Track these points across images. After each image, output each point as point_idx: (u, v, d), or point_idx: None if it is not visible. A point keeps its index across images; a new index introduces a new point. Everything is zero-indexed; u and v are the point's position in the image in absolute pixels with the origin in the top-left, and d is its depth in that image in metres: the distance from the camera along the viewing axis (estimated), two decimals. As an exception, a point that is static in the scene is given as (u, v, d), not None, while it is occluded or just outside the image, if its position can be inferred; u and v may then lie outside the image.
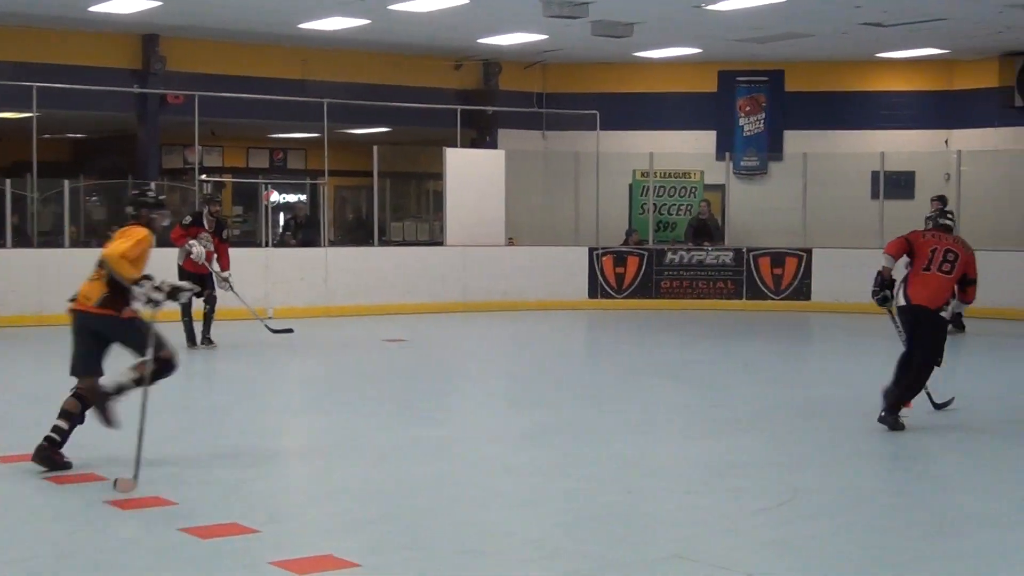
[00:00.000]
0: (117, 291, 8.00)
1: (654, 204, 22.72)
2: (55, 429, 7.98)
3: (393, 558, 6.19)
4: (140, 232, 8.16)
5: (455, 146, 21.71)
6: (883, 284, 10.27)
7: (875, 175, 21.75)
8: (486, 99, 23.43)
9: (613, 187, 22.73)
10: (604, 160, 22.45)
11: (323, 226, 21.40)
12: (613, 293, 21.39)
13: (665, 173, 22.99)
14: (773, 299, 21.13)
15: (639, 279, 21.46)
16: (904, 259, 10.24)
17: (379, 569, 6.00)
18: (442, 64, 23.01)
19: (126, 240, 8.05)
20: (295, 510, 7.42)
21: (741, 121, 24.06)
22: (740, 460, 8.65)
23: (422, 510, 7.20)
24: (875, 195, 21.69)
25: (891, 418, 9.74)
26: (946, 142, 23.55)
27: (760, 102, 24.03)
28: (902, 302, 10.15)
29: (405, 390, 12.34)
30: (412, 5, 17.87)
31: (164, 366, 8.12)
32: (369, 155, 21.01)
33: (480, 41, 21.18)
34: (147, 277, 7.96)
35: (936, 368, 9.95)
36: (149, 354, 7.98)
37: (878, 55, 22.67)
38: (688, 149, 23.54)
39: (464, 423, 10.65)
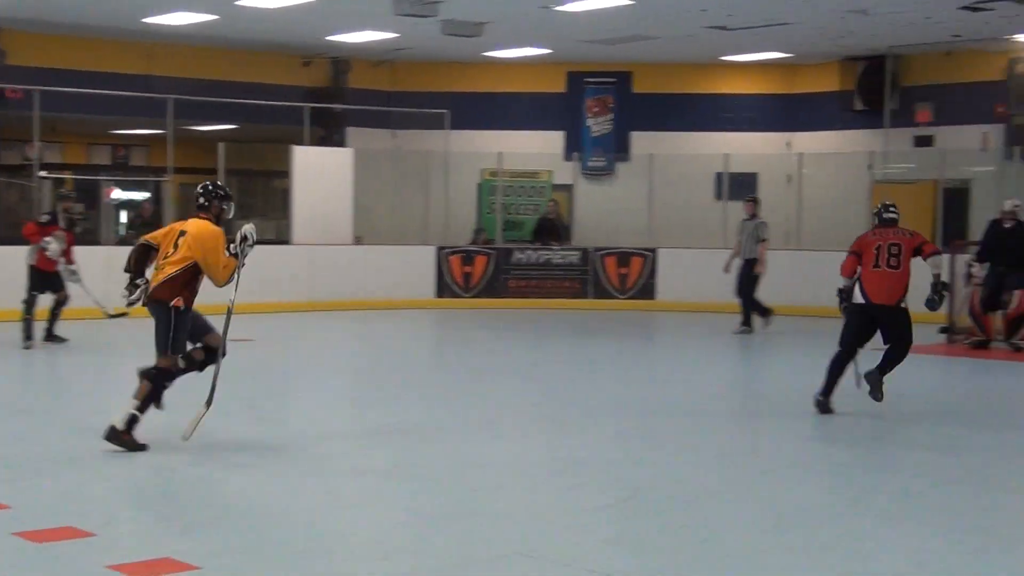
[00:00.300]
0: (174, 282, 8.83)
1: (503, 203, 22.80)
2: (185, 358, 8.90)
3: (233, 560, 6.11)
4: (209, 228, 9.01)
5: (303, 144, 21.52)
6: (847, 298, 10.70)
7: (719, 176, 22.10)
8: (335, 97, 23.27)
9: (462, 186, 22.77)
10: (453, 159, 22.47)
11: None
12: (460, 292, 21.40)
13: (514, 173, 23.09)
14: (619, 298, 21.35)
15: (486, 278, 21.51)
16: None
17: (219, 571, 5.91)
18: (290, 61, 22.80)
19: (216, 253, 8.87)
20: (133, 513, 7.31)
21: (589, 122, 24.27)
22: (582, 458, 8.72)
23: (263, 511, 7.13)
24: (719, 196, 22.04)
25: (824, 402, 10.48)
26: (788, 144, 24.02)
27: (608, 103, 24.26)
28: (860, 300, 10.55)
29: (250, 390, 12.17)
30: (260, 1, 17.67)
31: (163, 374, 8.76)
32: (215, 152, 20.72)
33: (329, 38, 21.03)
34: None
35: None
36: (159, 358, 8.77)
37: (723, 58, 23.03)
38: (537, 149, 23.66)
39: (308, 423, 10.55)
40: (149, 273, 8.99)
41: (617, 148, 24.25)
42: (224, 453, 8.73)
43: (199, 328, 9.10)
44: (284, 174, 21.50)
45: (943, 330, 16.19)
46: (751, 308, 17.27)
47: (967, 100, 21.88)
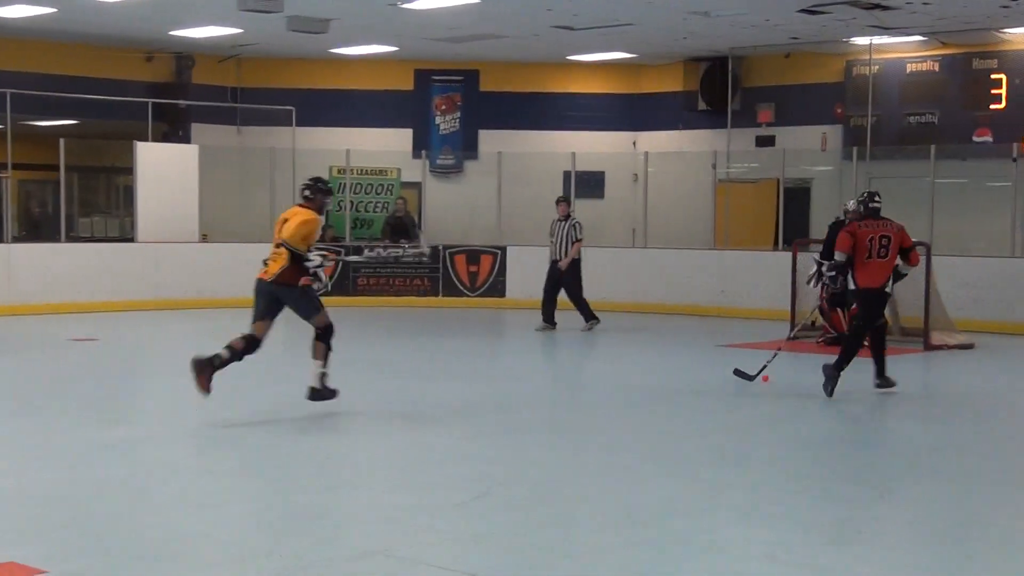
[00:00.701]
0: (294, 265, 10.18)
1: (351, 201, 22.68)
2: (219, 354, 10.20)
3: (81, 564, 5.99)
4: (310, 214, 10.25)
5: (146, 140, 21.17)
6: (840, 281, 12.09)
7: (567, 175, 22.26)
8: (178, 92, 22.92)
9: (309, 184, 22.55)
10: (300, 156, 22.28)
11: (5, 222, 20.55)
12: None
13: (362, 170, 22.97)
14: (469, 296, 21.40)
15: (335, 276, 21.36)
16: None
17: (66, 576, 5.80)
18: (133, 56, 22.40)
19: (296, 221, 10.18)
20: (-26, 518, 7.11)
21: (437, 120, 24.27)
22: (437, 456, 8.73)
23: (110, 514, 7.00)
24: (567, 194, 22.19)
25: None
26: (634, 143, 24.31)
27: (456, 101, 24.29)
28: (852, 286, 11.98)
29: (94, 390, 11.96)
30: (101, -6, 17.36)
31: (326, 330, 10.50)
32: (55, 148, 20.26)
33: (172, 33, 20.70)
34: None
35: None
36: (314, 321, 10.45)
37: (569, 57, 23.21)
38: (385, 146, 23.60)
39: (155, 423, 10.39)
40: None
41: (465, 146, 24.30)
42: (69, 455, 8.55)
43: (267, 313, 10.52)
44: (127, 171, 21.13)
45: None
46: (583, 307, 17.52)
47: (807, 101, 22.39)
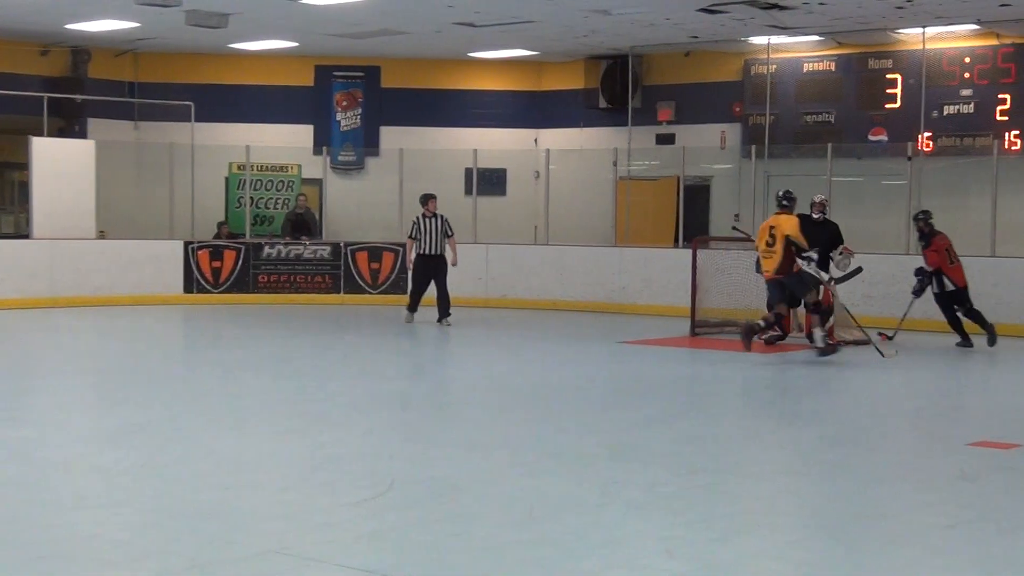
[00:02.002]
0: (787, 258, 13.91)
1: (251, 197, 22.50)
2: (763, 318, 14.57)
3: (-30, 567, 5.89)
4: (794, 219, 14.11)
5: (42, 135, 20.84)
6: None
7: (469, 172, 22.27)
8: (75, 87, 22.59)
9: (209, 180, 22.39)
10: (199, 152, 22.07)
11: None
12: (209, 288, 21.05)
13: (262, 166, 22.81)
14: (371, 293, 21.32)
15: (236, 273, 21.21)
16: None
17: (-45, 579, 5.69)
18: (28, 49, 22.02)
19: (791, 224, 14.04)
20: None
21: (338, 116, 24.16)
22: (336, 453, 8.68)
23: (3, 515, 6.87)
24: (469, 191, 22.22)
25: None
26: (536, 141, 24.37)
27: (357, 97, 24.19)
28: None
29: (-14, 390, 11.75)
30: (-7, -14, 17.05)
31: (816, 305, 14.24)
32: (-53, 143, 19.93)
33: (68, 27, 20.38)
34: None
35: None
36: (810, 297, 14.32)
37: (471, 54, 23.21)
38: (285, 143, 23.45)
39: (49, 423, 10.22)
40: None
41: (367, 142, 24.22)
42: (-39, 456, 8.40)
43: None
44: (22, 166, 20.81)
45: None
46: (446, 300, 17.99)
47: (706, 100, 22.60)
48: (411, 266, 18.16)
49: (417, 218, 18.11)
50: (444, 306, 17.92)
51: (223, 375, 13.14)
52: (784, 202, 14.50)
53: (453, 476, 8.02)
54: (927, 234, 16.02)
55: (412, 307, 18.14)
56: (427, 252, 17.92)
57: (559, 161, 22.63)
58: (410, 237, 18.11)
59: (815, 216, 15.80)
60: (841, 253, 15.57)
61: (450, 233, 18.00)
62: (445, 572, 6.01)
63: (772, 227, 14.31)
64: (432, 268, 17.92)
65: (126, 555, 6.15)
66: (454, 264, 17.89)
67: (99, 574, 5.89)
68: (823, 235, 15.51)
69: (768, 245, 14.23)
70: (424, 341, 16.81)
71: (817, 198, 16.12)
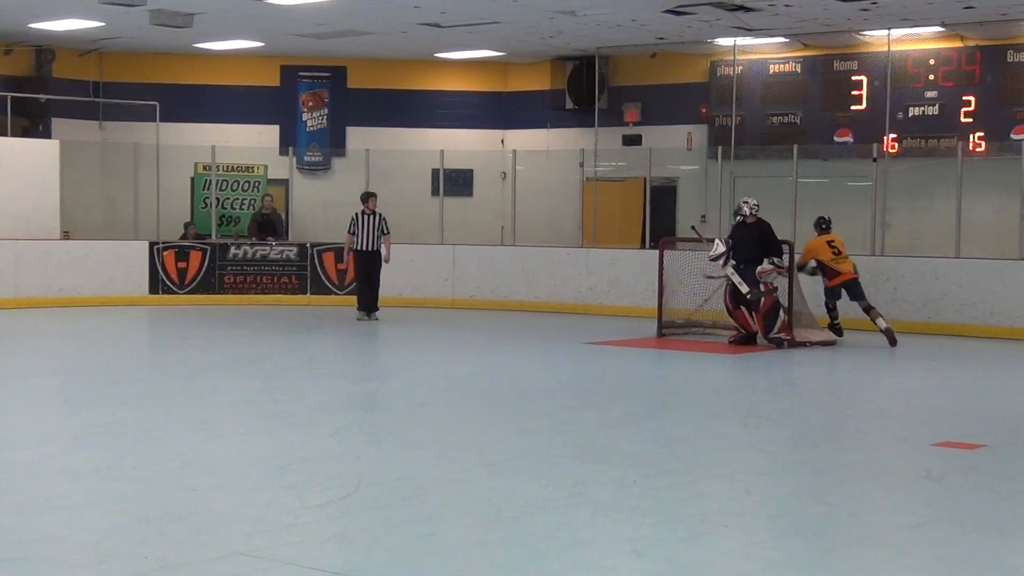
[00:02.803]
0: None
1: (217, 198, 22.42)
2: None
3: (-65, 570, 5.84)
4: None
5: (5, 135, 20.71)
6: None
7: (435, 172, 22.26)
8: (38, 87, 22.46)
9: (174, 180, 22.29)
10: (165, 152, 21.98)
11: None
12: (175, 288, 20.97)
13: (228, 167, 22.73)
14: (337, 294, 21.26)
15: (202, 274, 21.13)
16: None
17: (-82, 583, 5.64)
18: (-10, 49, 21.93)
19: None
20: None
21: (304, 116, 24.11)
22: (303, 455, 8.65)
23: (-33, 518, 6.83)
24: (436, 192, 22.21)
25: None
26: (502, 141, 24.38)
27: (323, 97, 24.14)
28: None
29: (-51, 392, 11.66)
30: (-44, -15, 16.92)
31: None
32: (-91, 143, 19.77)
33: (32, 26, 20.26)
34: None
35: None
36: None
37: (437, 55, 23.20)
38: (251, 143, 23.38)
39: (14, 424, 10.15)
40: None
41: (333, 143, 24.18)
42: (-76, 458, 8.33)
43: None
44: (-15, 166, 20.65)
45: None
46: (375, 296, 18.87)
47: (672, 101, 22.65)
48: (349, 261, 19.07)
49: (356, 215, 18.72)
50: (373, 301, 18.81)
51: (189, 376, 13.08)
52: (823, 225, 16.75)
53: (420, 477, 8.01)
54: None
55: (362, 305, 18.81)
56: (364, 248, 18.66)
57: (526, 162, 22.64)
58: (349, 232, 18.73)
59: (737, 217, 16.01)
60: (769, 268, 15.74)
61: (386, 231, 18.68)
62: (413, 573, 6.00)
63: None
64: (368, 264, 18.67)
65: (93, 557, 6.11)
66: (387, 261, 18.65)
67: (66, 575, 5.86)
68: (749, 236, 15.73)
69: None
70: (390, 342, 16.79)
71: (739, 201, 16.32)
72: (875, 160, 19.42)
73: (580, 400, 11.70)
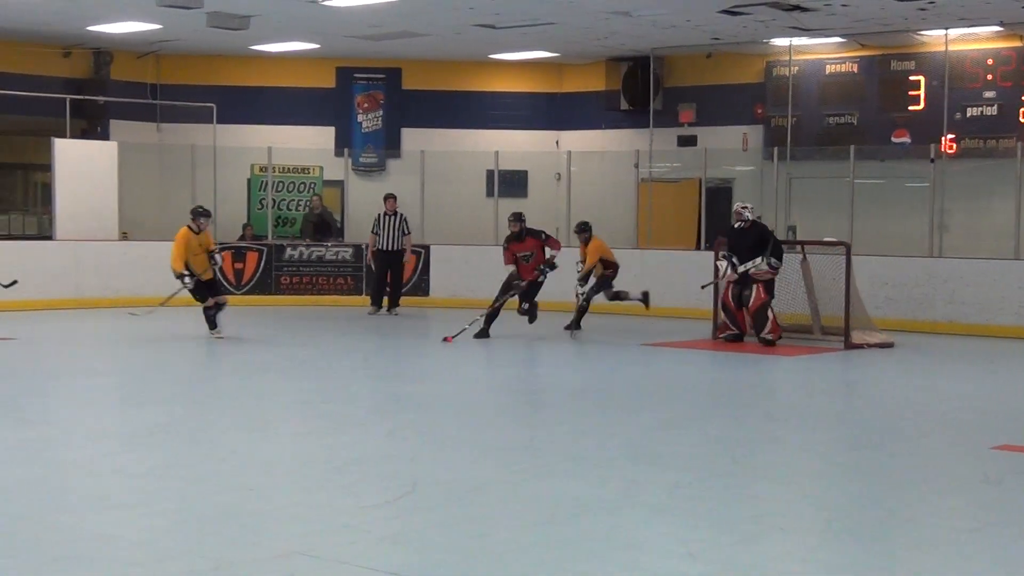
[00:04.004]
0: None
1: (273, 199, 22.54)
2: None
3: (-6, 567, 5.90)
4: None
5: (64, 137, 20.91)
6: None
7: (490, 173, 22.27)
8: (97, 89, 22.65)
9: (231, 181, 22.43)
10: (221, 154, 22.13)
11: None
12: (232, 289, 21.07)
13: (284, 168, 22.85)
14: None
15: (258, 275, 21.25)
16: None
17: (-21, 579, 5.71)
18: (50, 51, 22.11)
19: None
20: None
21: (359, 117, 24.19)
22: (358, 455, 8.69)
23: (22, 515, 6.89)
24: (490, 193, 22.22)
25: None
26: (557, 143, 24.36)
27: (378, 99, 24.22)
28: None
29: (10, 390, 11.78)
30: (16, -12, 17.10)
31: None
32: (-30, 145, 19.99)
33: (90, 28, 20.45)
34: None
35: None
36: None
37: (492, 56, 23.21)
38: (307, 144, 23.48)
39: (71, 423, 10.25)
40: None
41: (388, 144, 24.24)
42: (-15, 457, 8.42)
43: None
44: (45, 167, 20.87)
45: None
46: (397, 293, 19.83)
47: (728, 101, 22.54)
48: (372, 259, 19.83)
49: (378, 215, 19.56)
50: (395, 298, 19.65)
51: (245, 376, 13.16)
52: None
53: (475, 478, 8.02)
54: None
55: (376, 301, 19.76)
56: (385, 248, 19.53)
57: (580, 163, 22.61)
58: (372, 232, 19.60)
59: (735, 224, 15.98)
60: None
61: (407, 232, 19.54)
62: (467, 574, 6.01)
63: None
64: (388, 262, 19.48)
65: (150, 556, 6.16)
66: (406, 261, 19.77)
67: (125, 574, 5.90)
68: (745, 241, 15.84)
69: None
70: (445, 344, 16.80)
71: (736, 206, 16.35)
72: (933, 161, 19.25)
73: (635, 401, 11.67)
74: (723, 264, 16.05)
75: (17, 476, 7.84)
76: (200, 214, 16.04)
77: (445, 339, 15.73)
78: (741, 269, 15.69)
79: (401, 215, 19.56)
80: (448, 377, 13.42)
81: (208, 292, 16.08)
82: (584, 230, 17.42)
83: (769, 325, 15.73)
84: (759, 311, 15.73)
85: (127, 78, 23.10)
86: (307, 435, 9.70)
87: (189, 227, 15.92)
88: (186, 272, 15.61)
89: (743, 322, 16.04)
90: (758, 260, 15.61)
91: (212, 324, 16.10)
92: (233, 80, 23.65)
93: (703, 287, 16.45)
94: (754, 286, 15.68)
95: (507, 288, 16.46)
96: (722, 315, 16.34)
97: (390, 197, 19.67)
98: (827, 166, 20.69)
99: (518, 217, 16.67)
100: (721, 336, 16.26)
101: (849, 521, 7.17)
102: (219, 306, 16.22)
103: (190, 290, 15.83)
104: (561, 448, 9.16)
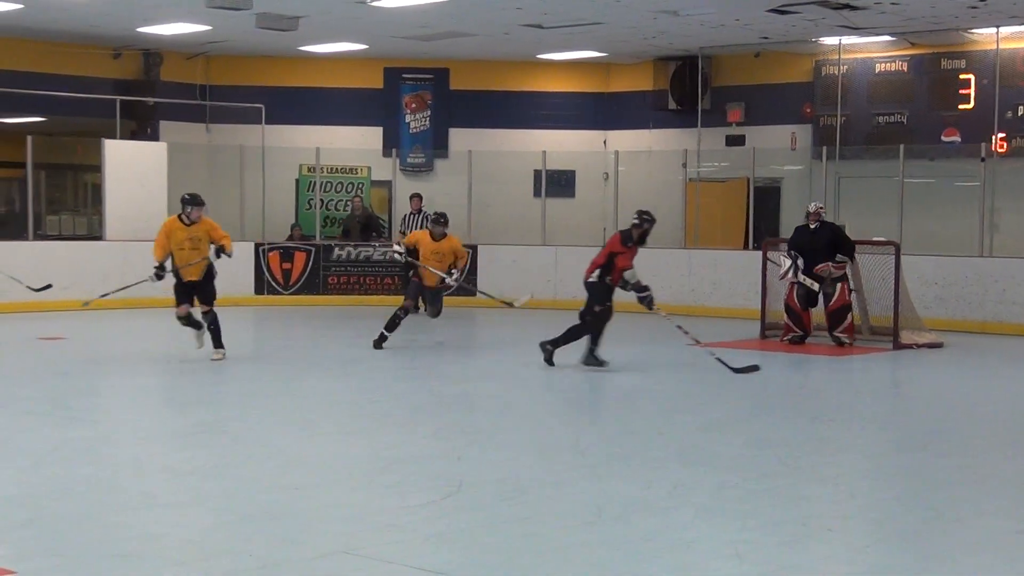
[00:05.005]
0: None
1: (321, 199, 22.62)
2: None
3: (47, 563, 5.96)
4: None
5: (114, 137, 21.07)
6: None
7: (537, 173, 22.26)
8: (147, 90, 22.80)
9: (279, 182, 22.52)
10: (270, 154, 22.23)
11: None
12: (280, 289, 21.20)
13: (332, 168, 22.93)
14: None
15: (306, 275, 21.34)
16: None
17: (33, 575, 5.76)
18: (100, 53, 22.28)
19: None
20: (-63, 517, 7.04)
21: (407, 118, 24.23)
22: (404, 455, 8.70)
23: (75, 514, 6.95)
24: (538, 193, 22.21)
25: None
26: (604, 142, 24.32)
27: (426, 99, 24.26)
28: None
29: (60, 389, 11.88)
30: (67, -10, 17.24)
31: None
32: (23, 146, 20.13)
33: (140, 30, 20.58)
34: None
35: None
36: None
37: (539, 56, 23.20)
38: (355, 145, 23.55)
39: (120, 422, 10.33)
40: None
41: (436, 144, 24.27)
42: (33, 453, 8.49)
43: None
44: (96, 168, 21.03)
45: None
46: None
47: (776, 101, 22.42)
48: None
49: (405, 215, 19.98)
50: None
51: (291, 376, 13.20)
52: None
53: (520, 478, 8.01)
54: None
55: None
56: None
57: (628, 163, 22.56)
58: (400, 231, 19.74)
59: (811, 225, 15.76)
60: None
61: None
62: (513, 573, 6.01)
63: None
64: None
65: (196, 554, 6.20)
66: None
67: (169, 573, 5.94)
68: (819, 242, 15.62)
69: None
70: (490, 343, 16.82)
71: (813, 207, 16.05)
72: (983, 160, 19.09)
73: (681, 402, 11.64)
74: (787, 262, 15.82)
75: (71, 475, 7.91)
76: (187, 202, 13.94)
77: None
78: (817, 289, 15.52)
79: (426, 213, 19.68)
80: (492, 377, 13.42)
81: (187, 298, 14.01)
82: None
83: (845, 325, 15.62)
84: (840, 310, 15.59)
85: (176, 79, 23.24)
86: (352, 435, 9.73)
87: (179, 217, 14.05)
88: (156, 265, 13.85)
89: (808, 323, 15.86)
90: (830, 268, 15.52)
91: (212, 337, 14.05)
92: (282, 81, 23.75)
93: (781, 278, 16.05)
94: (839, 284, 15.55)
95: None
96: (784, 317, 16.10)
97: (416, 196, 20.01)
98: (876, 165, 20.56)
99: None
100: (785, 339, 15.98)
101: (896, 522, 7.13)
102: (196, 323, 14.07)
103: (175, 291, 14.00)
104: (607, 448, 9.14)
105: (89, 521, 6.80)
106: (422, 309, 15.70)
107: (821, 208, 16.01)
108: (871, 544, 6.66)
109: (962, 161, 20.01)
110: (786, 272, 15.81)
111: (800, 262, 15.66)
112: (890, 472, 8.69)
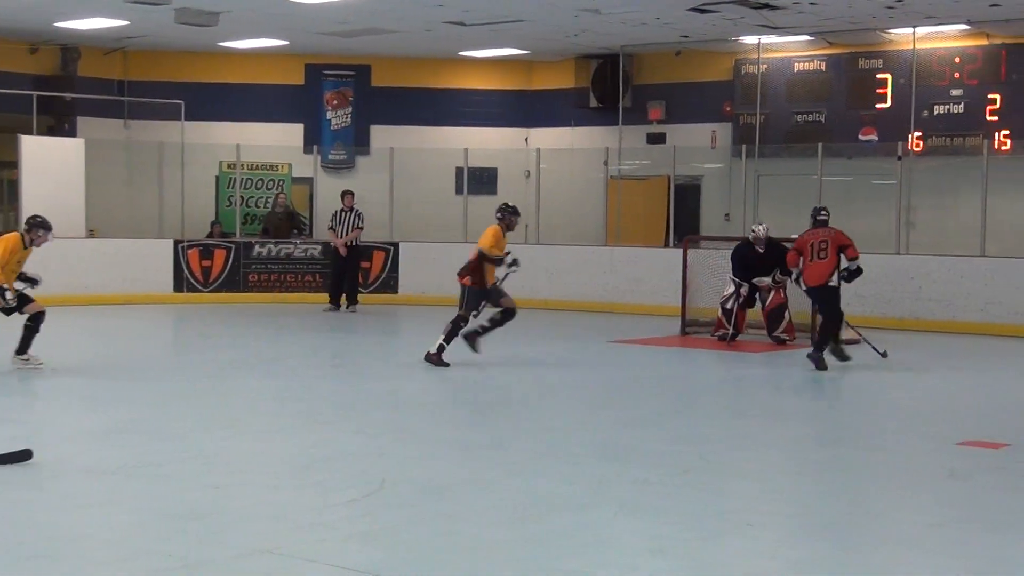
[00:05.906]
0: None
1: (241, 196, 22.46)
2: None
3: (-41, 567, 5.88)
4: (493, 229, 13.59)
5: (31, 133, 20.80)
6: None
7: (459, 171, 22.26)
8: (64, 85, 22.53)
9: (199, 178, 22.34)
10: (189, 151, 22.04)
11: None
12: (199, 287, 21.02)
13: (252, 165, 22.78)
14: (362, 292, 21.20)
15: (226, 272, 21.18)
16: None
17: (-56, 579, 5.68)
18: (16, 48, 21.97)
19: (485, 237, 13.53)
20: None
21: (328, 115, 24.14)
22: (326, 453, 8.68)
23: (-7, 515, 6.87)
24: (459, 190, 22.20)
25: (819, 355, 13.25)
26: (526, 140, 24.37)
27: (347, 96, 24.17)
28: (803, 287, 13.69)
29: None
30: (-18, -16, 16.99)
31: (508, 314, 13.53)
32: (-64, 141, 19.86)
33: (57, 25, 20.33)
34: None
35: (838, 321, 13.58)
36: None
37: (461, 53, 23.19)
38: (275, 141, 23.42)
39: (38, 423, 10.21)
40: None
41: (357, 141, 24.20)
42: (-50, 456, 8.36)
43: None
44: (12, 165, 20.74)
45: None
46: (354, 289, 20.08)
47: (696, 99, 22.59)
48: (342, 250, 19.77)
49: (336, 212, 19.98)
50: (353, 295, 19.91)
51: (213, 375, 13.11)
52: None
53: (443, 476, 8.02)
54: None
55: (333, 299, 19.95)
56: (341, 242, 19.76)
57: (550, 160, 22.62)
58: (330, 228, 20.00)
59: (760, 249, 15.82)
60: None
61: (359, 226, 19.83)
62: (435, 571, 6.01)
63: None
64: (347, 257, 19.75)
65: (116, 555, 6.14)
66: (344, 241, 19.70)
67: (93, 573, 5.88)
68: (767, 263, 15.73)
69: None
70: (414, 340, 16.78)
71: (759, 231, 15.90)
72: (900, 158, 19.35)
73: (603, 399, 11.70)
74: (730, 288, 15.83)
75: (-17, 475, 7.81)
76: (38, 224, 12.90)
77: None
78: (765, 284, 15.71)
79: (357, 211, 19.89)
80: (416, 376, 13.40)
81: (19, 309, 13.12)
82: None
83: (784, 325, 15.75)
84: (776, 310, 15.72)
85: (94, 75, 22.99)
86: (275, 433, 9.68)
87: (22, 236, 13.06)
88: (6, 287, 12.73)
89: (742, 323, 15.95)
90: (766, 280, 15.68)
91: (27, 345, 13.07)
92: (201, 77, 23.56)
93: (722, 303, 16.04)
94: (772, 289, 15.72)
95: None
96: (719, 312, 16.09)
97: (348, 193, 20.04)
98: (795, 163, 20.78)
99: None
100: (716, 334, 16.09)
101: (815, 517, 7.21)
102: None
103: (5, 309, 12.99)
104: (529, 446, 9.16)
105: (6, 522, 6.71)
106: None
107: (762, 227, 15.91)
108: (791, 538, 6.73)
109: (879, 160, 20.28)
110: (728, 297, 15.85)
111: (743, 289, 15.75)
112: (810, 467, 8.79)
